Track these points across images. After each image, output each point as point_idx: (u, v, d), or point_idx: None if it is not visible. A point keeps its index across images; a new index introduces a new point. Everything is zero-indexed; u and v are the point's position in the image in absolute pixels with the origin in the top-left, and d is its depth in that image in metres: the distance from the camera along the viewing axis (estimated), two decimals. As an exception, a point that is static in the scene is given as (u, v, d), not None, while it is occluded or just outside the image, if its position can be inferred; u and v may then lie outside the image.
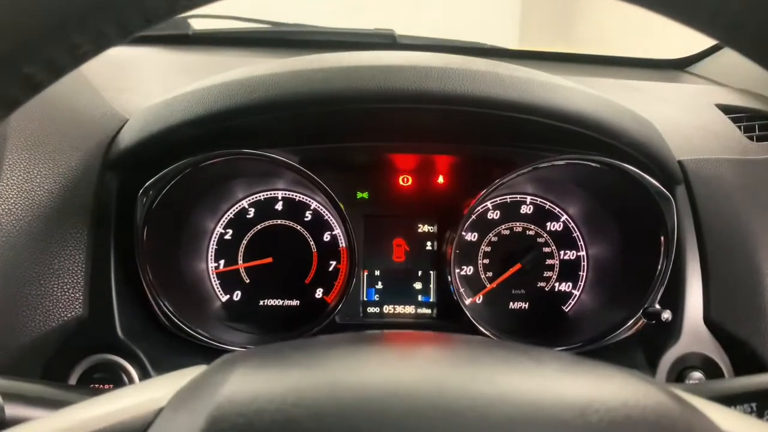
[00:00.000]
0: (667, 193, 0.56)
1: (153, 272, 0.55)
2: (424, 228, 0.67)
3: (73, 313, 0.52)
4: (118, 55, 0.72)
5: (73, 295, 0.52)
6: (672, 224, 0.56)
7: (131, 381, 0.53)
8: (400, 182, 0.67)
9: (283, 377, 0.24)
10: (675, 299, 0.57)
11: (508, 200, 0.68)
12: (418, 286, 0.67)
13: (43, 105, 0.56)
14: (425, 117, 0.58)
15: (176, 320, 0.55)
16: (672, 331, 0.56)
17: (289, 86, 0.52)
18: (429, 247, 0.67)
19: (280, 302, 0.67)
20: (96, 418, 0.27)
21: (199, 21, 1.11)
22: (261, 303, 0.67)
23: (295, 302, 0.67)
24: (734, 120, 0.70)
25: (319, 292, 0.67)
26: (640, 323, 0.57)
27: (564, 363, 0.26)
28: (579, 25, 2.74)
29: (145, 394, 0.27)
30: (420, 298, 0.67)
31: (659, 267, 0.56)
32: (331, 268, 0.67)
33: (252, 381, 0.24)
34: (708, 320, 0.56)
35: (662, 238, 0.56)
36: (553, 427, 0.21)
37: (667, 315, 0.54)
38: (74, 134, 0.56)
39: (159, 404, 0.26)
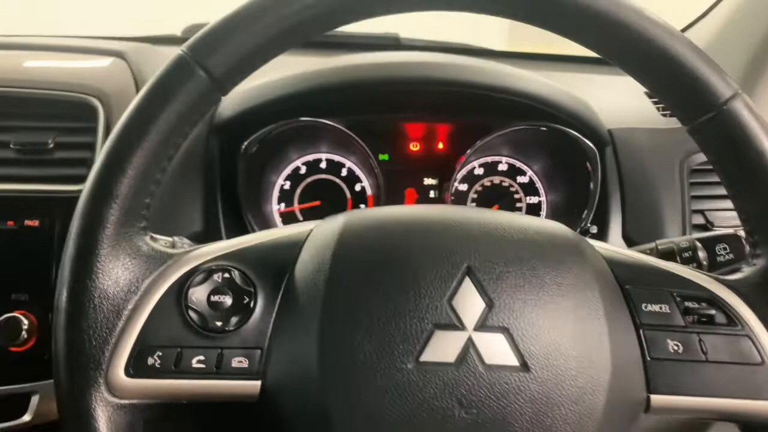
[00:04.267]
0: (595, 149, 0.82)
1: (246, 206, 0.81)
2: (428, 181, 0.93)
3: (193, 229, 0.77)
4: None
5: (194, 217, 0.77)
6: (597, 175, 0.82)
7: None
8: (411, 147, 0.93)
9: (385, 210, 0.49)
10: (603, 222, 0.83)
11: (489, 160, 0.93)
12: (424, 223, 0.93)
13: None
14: (430, 97, 0.84)
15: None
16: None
17: (342, 74, 0.79)
18: (432, 195, 0.93)
19: (325, 234, 0.92)
20: (264, 236, 0.50)
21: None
22: (311, 235, 0.92)
23: (335, 234, 0.92)
24: (654, 103, 0.96)
25: (352, 227, 0.92)
26: (578, 239, 0.83)
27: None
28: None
29: (294, 227, 0.51)
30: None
31: (589, 199, 0.82)
32: (361, 210, 0.93)
33: (368, 211, 0.49)
34: (624, 236, 0.82)
35: (591, 182, 0.82)
36: (503, 227, 0.46)
37: (594, 230, 0.80)
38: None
39: (309, 227, 0.50)
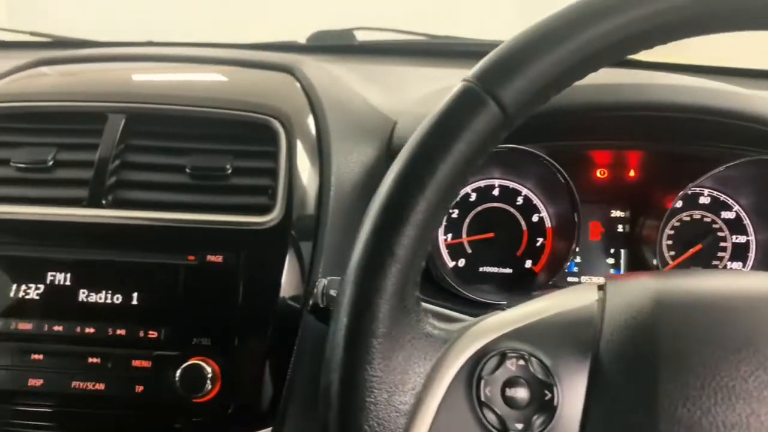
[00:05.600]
0: None
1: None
2: (617, 213, 0.82)
3: None
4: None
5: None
6: None
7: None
8: (598, 174, 0.82)
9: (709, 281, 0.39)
10: None
11: (689, 192, 0.81)
12: (610, 261, 0.82)
13: (344, 111, 0.74)
14: (629, 121, 0.73)
15: (441, 274, 0.72)
16: None
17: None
18: (620, 230, 0.82)
19: (496, 270, 0.82)
20: (547, 307, 0.42)
21: (361, 33, 1.26)
22: (480, 270, 0.82)
23: (508, 270, 0.82)
24: None
25: (528, 263, 0.82)
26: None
27: None
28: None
29: (570, 293, 0.42)
30: (611, 271, 0.82)
31: None
32: (538, 244, 0.83)
33: (682, 279, 0.39)
34: None
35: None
36: None
37: None
38: (365, 131, 0.73)
39: (592, 296, 0.41)
